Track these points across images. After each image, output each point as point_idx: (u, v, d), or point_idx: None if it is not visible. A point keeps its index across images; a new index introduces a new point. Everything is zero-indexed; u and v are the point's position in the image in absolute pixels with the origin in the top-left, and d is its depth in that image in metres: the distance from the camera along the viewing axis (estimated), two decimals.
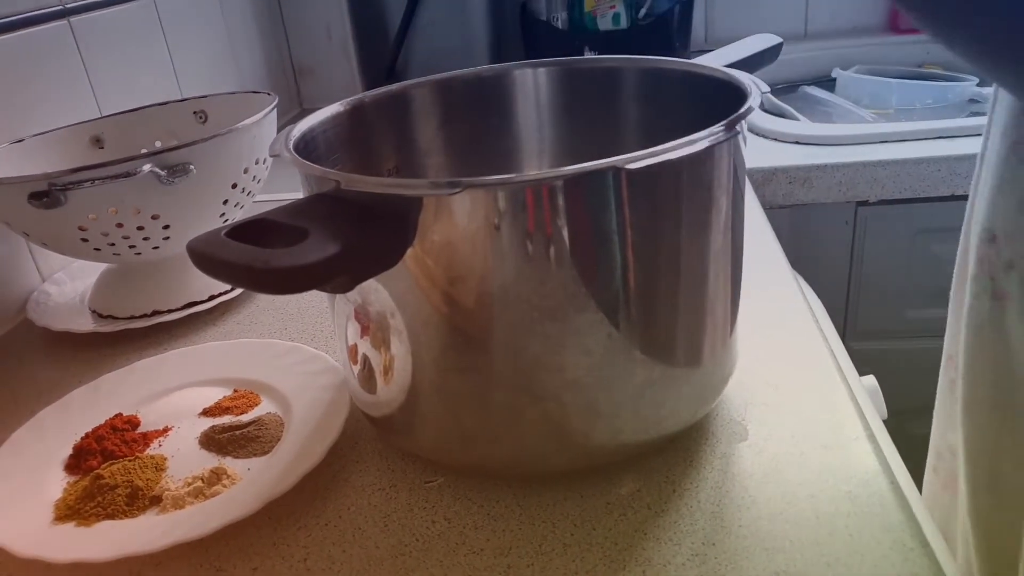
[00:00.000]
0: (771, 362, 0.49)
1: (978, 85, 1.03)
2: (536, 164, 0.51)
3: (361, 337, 0.41)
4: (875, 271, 0.85)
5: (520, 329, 0.36)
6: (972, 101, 1.04)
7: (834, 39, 1.22)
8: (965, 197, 0.79)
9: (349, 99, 0.46)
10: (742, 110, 0.36)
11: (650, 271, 0.35)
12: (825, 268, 0.84)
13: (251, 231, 0.33)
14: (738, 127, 0.35)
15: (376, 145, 0.48)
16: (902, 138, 0.82)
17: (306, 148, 0.43)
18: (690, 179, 0.35)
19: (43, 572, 0.39)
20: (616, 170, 0.32)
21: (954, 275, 0.52)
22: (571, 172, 0.32)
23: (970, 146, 0.78)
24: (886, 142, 0.81)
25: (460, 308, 0.36)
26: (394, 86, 0.48)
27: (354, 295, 0.39)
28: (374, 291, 0.38)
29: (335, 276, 0.33)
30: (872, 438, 0.43)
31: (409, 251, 0.35)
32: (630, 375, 0.38)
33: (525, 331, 0.36)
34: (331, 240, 0.32)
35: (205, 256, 0.32)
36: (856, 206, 0.82)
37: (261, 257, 0.31)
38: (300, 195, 0.36)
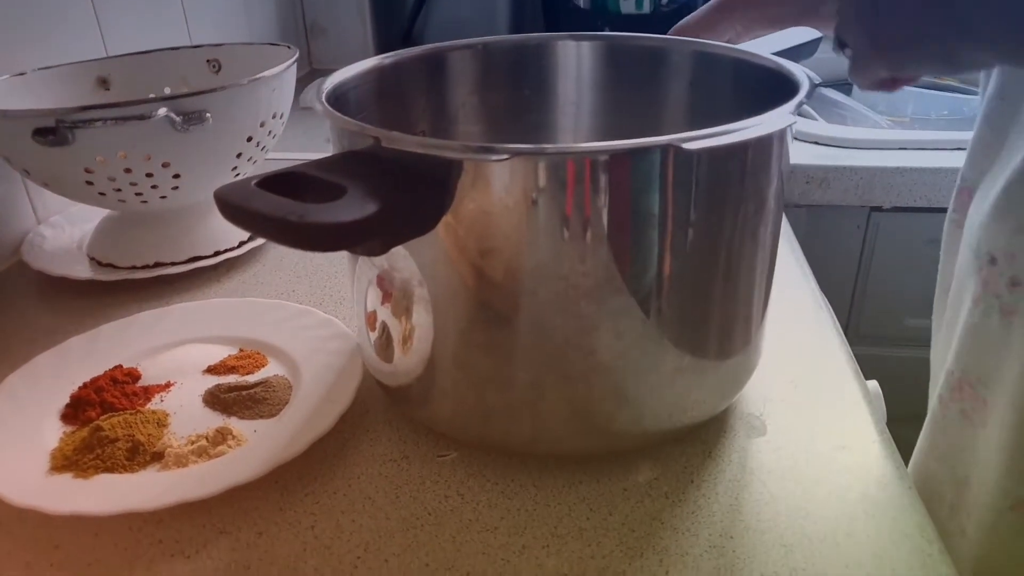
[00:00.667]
0: (789, 359, 0.49)
1: None
2: (571, 141, 0.49)
3: (382, 304, 0.40)
4: (881, 277, 0.85)
5: (553, 307, 0.35)
6: None
7: None
8: None
9: (383, 56, 0.45)
10: (801, 96, 0.35)
11: (693, 258, 0.34)
12: (833, 270, 0.84)
13: (282, 183, 0.32)
14: (794, 116, 0.34)
15: (407, 107, 0.46)
16: (921, 146, 0.81)
17: (336, 103, 0.41)
18: (743, 165, 0.34)
19: (39, 523, 0.38)
20: (673, 149, 0.31)
21: (950, 292, 0.53)
22: (625, 147, 0.31)
23: None
24: (905, 149, 0.81)
25: (492, 282, 0.35)
26: (431, 46, 0.46)
27: (380, 260, 0.38)
28: (402, 257, 0.36)
29: (371, 237, 0.32)
30: (889, 442, 0.42)
31: (444, 218, 0.34)
32: (660, 362, 0.37)
33: (558, 310, 0.35)
34: (369, 199, 0.30)
35: (235, 205, 0.30)
36: (870, 211, 0.81)
37: (296, 211, 0.29)
38: (310, 156, 0.35)
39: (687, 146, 0.30)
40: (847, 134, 0.84)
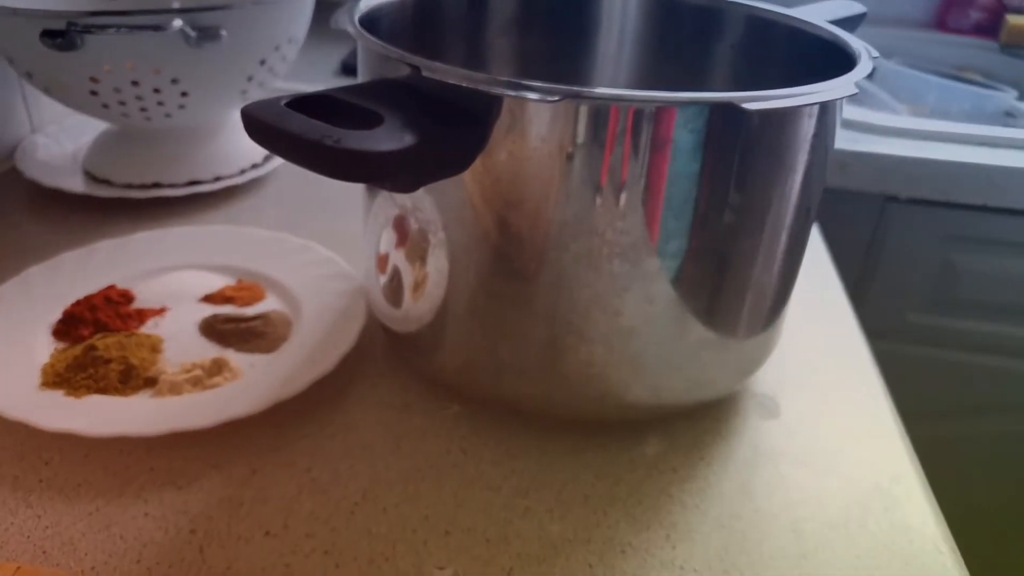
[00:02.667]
0: (805, 343, 0.48)
1: (1018, 99, 1.01)
2: None
3: (396, 247, 0.38)
4: (888, 269, 0.83)
5: (582, 265, 0.33)
6: (1008, 114, 1.02)
7: (878, 26, 1.18)
8: (997, 210, 0.78)
9: None
10: (863, 67, 0.33)
11: (735, 225, 0.33)
12: (839, 258, 0.82)
13: (312, 106, 0.30)
14: (855, 87, 0.32)
15: (440, 43, 0.44)
16: (945, 139, 0.79)
17: (368, 29, 0.39)
18: (799, 133, 0.32)
19: (27, 437, 0.36)
20: (729, 108, 0.29)
21: None
22: (684, 99, 0.29)
23: (1011, 158, 0.76)
24: (929, 140, 0.79)
25: (520, 230, 0.33)
26: None
27: (403, 199, 0.36)
28: (426, 199, 0.35)
29: (405, 171, 0.30)
30: (904, 436, 0.41)
31: (478, 159, 0.32)
32: (686, 332, 0.35)
33: (588, 268, 0.33)
34: (408, 130, 0.29)
35: (265, 124, 0.28)
36: (884, 201, 0.80)
37: (333, 135, 0.27)
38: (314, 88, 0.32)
39: (749, 106, 0.29)
40: (872, 119, 0.82)
